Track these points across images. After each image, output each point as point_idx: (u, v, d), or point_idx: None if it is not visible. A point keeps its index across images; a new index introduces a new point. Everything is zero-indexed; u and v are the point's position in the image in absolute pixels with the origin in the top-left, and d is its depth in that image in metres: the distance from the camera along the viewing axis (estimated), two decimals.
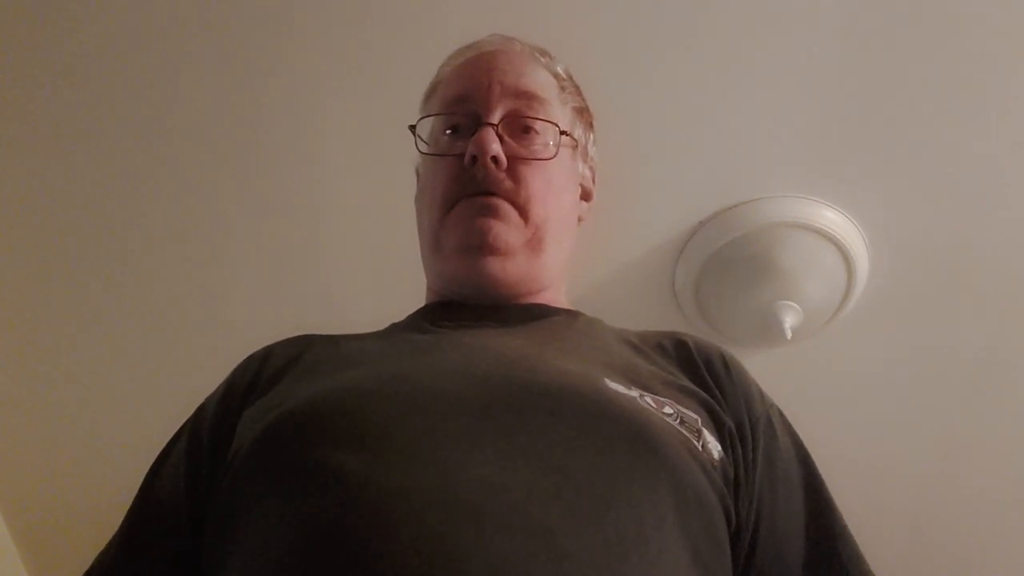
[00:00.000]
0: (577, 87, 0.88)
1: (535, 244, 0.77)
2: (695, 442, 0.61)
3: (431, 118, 0.83)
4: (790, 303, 1.11)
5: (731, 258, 1.11)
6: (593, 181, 0.91)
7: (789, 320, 1.10)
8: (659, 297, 1.17)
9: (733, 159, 1.07)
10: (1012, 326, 1.17)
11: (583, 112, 0.88)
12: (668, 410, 0.62)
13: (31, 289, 1.17)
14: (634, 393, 0.62)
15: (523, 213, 0.76)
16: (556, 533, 0.49)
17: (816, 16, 0.98)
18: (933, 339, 1.19)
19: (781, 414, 0.74)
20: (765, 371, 1.20)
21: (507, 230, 0.75)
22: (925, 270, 1.13)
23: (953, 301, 1.16)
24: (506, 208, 0.75)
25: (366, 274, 1.15)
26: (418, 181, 0.88)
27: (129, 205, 1.12)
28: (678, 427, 0.60)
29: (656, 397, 0.63)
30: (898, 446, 1.28)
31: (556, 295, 0.82)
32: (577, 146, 0.85)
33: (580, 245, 1.12)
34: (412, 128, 0.83)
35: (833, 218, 1.09)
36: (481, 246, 0.74)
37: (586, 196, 0.89)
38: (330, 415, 0.57)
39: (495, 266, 0.75)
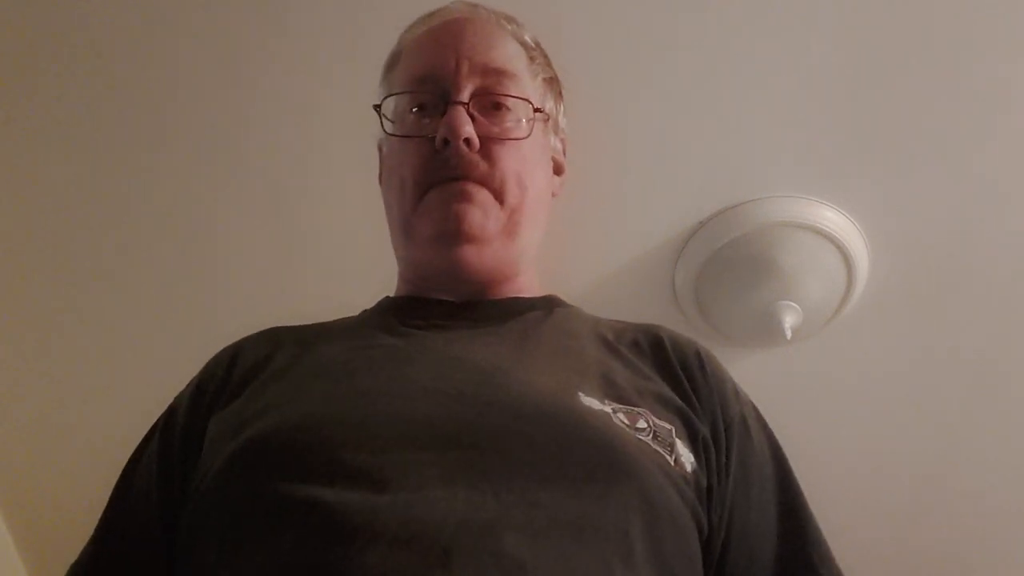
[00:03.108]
0: (546, 56, 0.85)
1: (511, 228, 0.75)
2: (668, 457, 0.60)
3: (395, 96, 0.80)
4: (790, 303, 1.11)
5: (731, 258, 1.11)
6: (564, 153, 0.88)
7: (789, 320, 1.10)
8: (659, 297, 1.17)
9: (733, 159, 1.07)
10: (1012, 326, 1.17)
11: (553, 82, 0.85)
12: (642, 424, 0.61)
13: (29, 289, 1.17)
14: (608, 409, 0.61)
15: (498, 196, 0.74)
16: (527, 568, 0.49)
17: (817, 15, 0.98)
18: (933, 339, 1.19)
19: (756, 412, 0.73)
20: (765, 371, 1.21)
21: (483, 217, 0.73)
22: (925, 270, 1.13)
23: (953, 301, 1.15)
24: (481, 194, 0.73)
25: (359, 268, 1.15)
26: (381, 158, 0.85)
27: (126, 205, 1.12)
28: (651, 443, 0.60)
29: (630, 410, 0.62)
30: (897, 446, 1.28)
31: (529, 280, 0.81)
32: (549, 120, 0.82)
33: (580, 245, 1.12)
34: (377, 107, 0.79)
35: (833, 218, 1.09)
36: (457, 234, 0.72)
37: (558, 170, 0.87)
38: (300, 445, 0.56)
39: (471, 254, 0.73)
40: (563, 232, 1.02)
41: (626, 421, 0.61)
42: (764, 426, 0.73)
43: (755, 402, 0.76)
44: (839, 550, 0.69)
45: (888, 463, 1.29)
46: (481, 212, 0.73)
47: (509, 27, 0.83)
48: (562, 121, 0.88)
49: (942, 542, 1.36)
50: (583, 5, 0.98)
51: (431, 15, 0.83)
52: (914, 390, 1.23)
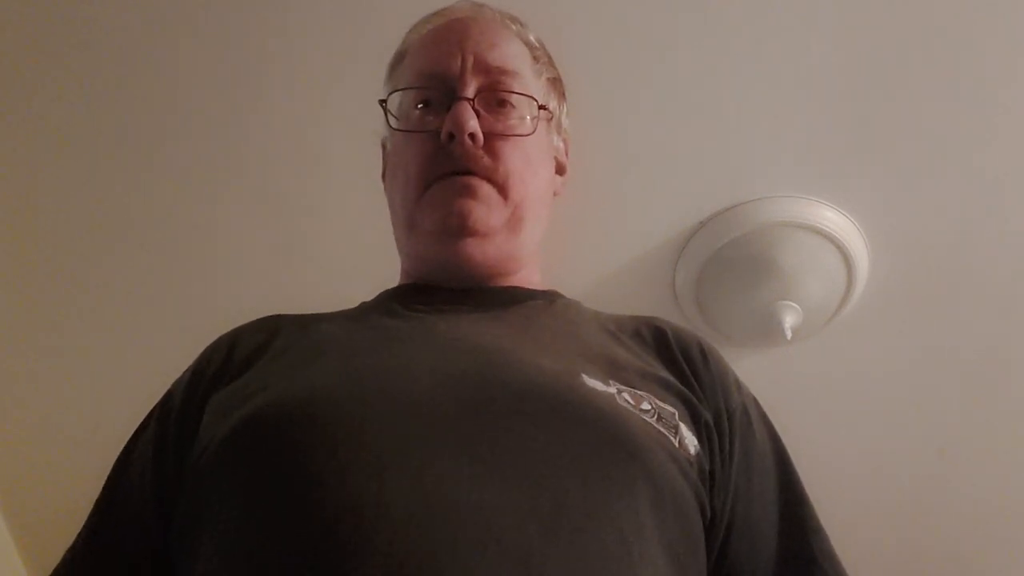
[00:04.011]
0: (549, 56, 0.86)
1: (514, 223, 0.75)
2: (672, 439, 0.60)
3: (400, 92, 0.80)
4: (790, 303, 1.11)
5: (731, 258, 1.11)
6: (566, 154, 0.88)
7: (789, 320, 1.10)
8: (659, 297, 1.17)
9: (733, 159, 1.07)
10: (1012, 326, 1.17)
11: (556, 82, 0.86)
12: (646, 406, 0.61)
13: (30, 289, 1.17)
14: (612, 390, 0.61)
15: (502, 191, 0.74)
16: (534, 554, 0.48)
17: (817, 15, 0.98)
18: (933, 339, 1.19)
19: (757, 404, 0.73)
20: (765, 371, 1.21)
21: (487, 212, 0.73)
22: (925, 270, 1.13)
23: (953, 301, 1.15)
24: (485, 188, 0.73)
25: (358, 269, 1.14)
26: (384, 156, 0.86)
27: (125, 207, 1.12)
28: (655, 424, 0.60)
29: (634, 392, 0.62)
30: (897, 446, 1.28)
31: (531, 274, 0.81)
32: (552, 119, 0.83)
33: (581, 244, 1.12)
34: (382, 103, 0.80)
35: (833, 218, 1.09)
36: (461, 227, 0.72)
37: (560, 170, 0.87)
38: (302, 421, 0.55)
39: (474, 248, 0.73)
40: (563, 232, 1.02)
41: (631, 401, 0.60)
42: (765, 419, 0.73)
43: None
44: (839, 549, 0.69)
45: (888, 463, 1.30)
46: (485, 207, 0.73)
47: (514, 27, 0.83)
48: (565, 122, 0.88)
49: (942, 542, 1.36)
50: (583, 5, 0.99)
51: (436, 14, 0.83)
52: (914, 390, 1.23)
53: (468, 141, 0.72)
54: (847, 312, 1.16)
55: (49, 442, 1.28)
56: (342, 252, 1.15)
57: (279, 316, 0.75)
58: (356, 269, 1.12)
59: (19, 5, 0.99)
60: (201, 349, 0.73)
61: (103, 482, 0.70)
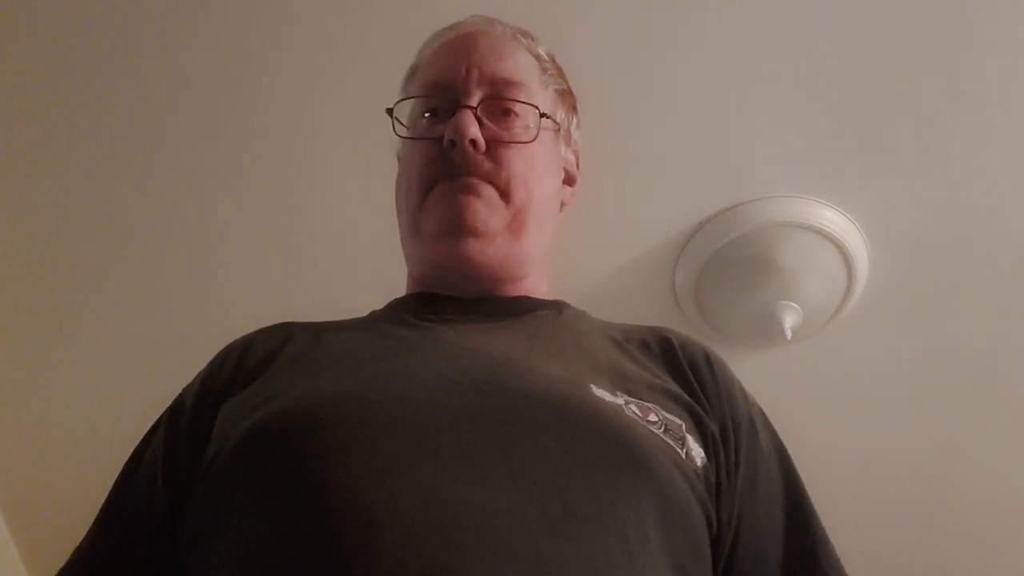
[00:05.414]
0: (560, 69, 0.87)
1: (516, 227, 0.75)
2: (679, 451, 0.61)
3: (409, 101, 0.82)
4: (790, 303, 1.11)
5: (731, 258, 1.11)
6: (577, 165, 0.89)
7: (789, 320, 1.10)
8: (659, 297, 1.18)
9: (733, 159, 1.07)
10: (1012, 326, 1.17)
11: (565, 95, 0.87)
12: (653, 418, 0.61)
13: (30, 289, 1.17)
14: (620, 401, 0.61)
15: (504, 195, 0.75)
16: (542, 558, 0.49)
17: (817, 15, 0.98)
18: (933, 339, 1.19)
19: (763, 414, 0.74)
20: (765, 371, 1.21)
21: (487, 210, 0.74)
22: (925, 270, 1.13)
23: (953, 301, 1.16)
24: (486, 188, 0.74)
25: (361, 271, 1.15)
26: (400, 166, 0.87)
27: (128, 210, 1.12)
28: (663, 436, 0.60)
29: (641, 404, 0.62)
30: (897, 446, 1.28)
31: (538, 283, 0.82)
32: (559, 129, 0.84)
33: (580, 245, 1.13)
34: (390, 111, 0.81)
35: (833, 218, 1.09)
36: (460, 226, 0.73)
37: (569, 181, 0.88)
38: (313, 427, 0.56)
39: (474, 248, 0.73)
40: (563, 232, 1.02)
41: (639, 413, 0.61)
42: (770, 428, 0.73)
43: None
44: (838, 550, 0.69)
45: (888, 463, 1.30)
46: (485, 206, 0.74)
47: (524, 41, 0.84)
48: (575, 134, 0.89)
49: (942, 542, 1.36)
50: (584, 6, 0.99)
51: (448, 28, 0.85)
52: (914, 390, 1.23)
53: (469, 147, 0.73)
54: (847, 312, 1.16)
55: (50, 443, 1.29)
56: (346, 257, 1.15)
57: (291, 324, 0.76)
58: (361, 273, 1.13)
59: (20, 7, 0.99)
60: (204, 353, 0.73)
61: (104, 483, 0.70)
